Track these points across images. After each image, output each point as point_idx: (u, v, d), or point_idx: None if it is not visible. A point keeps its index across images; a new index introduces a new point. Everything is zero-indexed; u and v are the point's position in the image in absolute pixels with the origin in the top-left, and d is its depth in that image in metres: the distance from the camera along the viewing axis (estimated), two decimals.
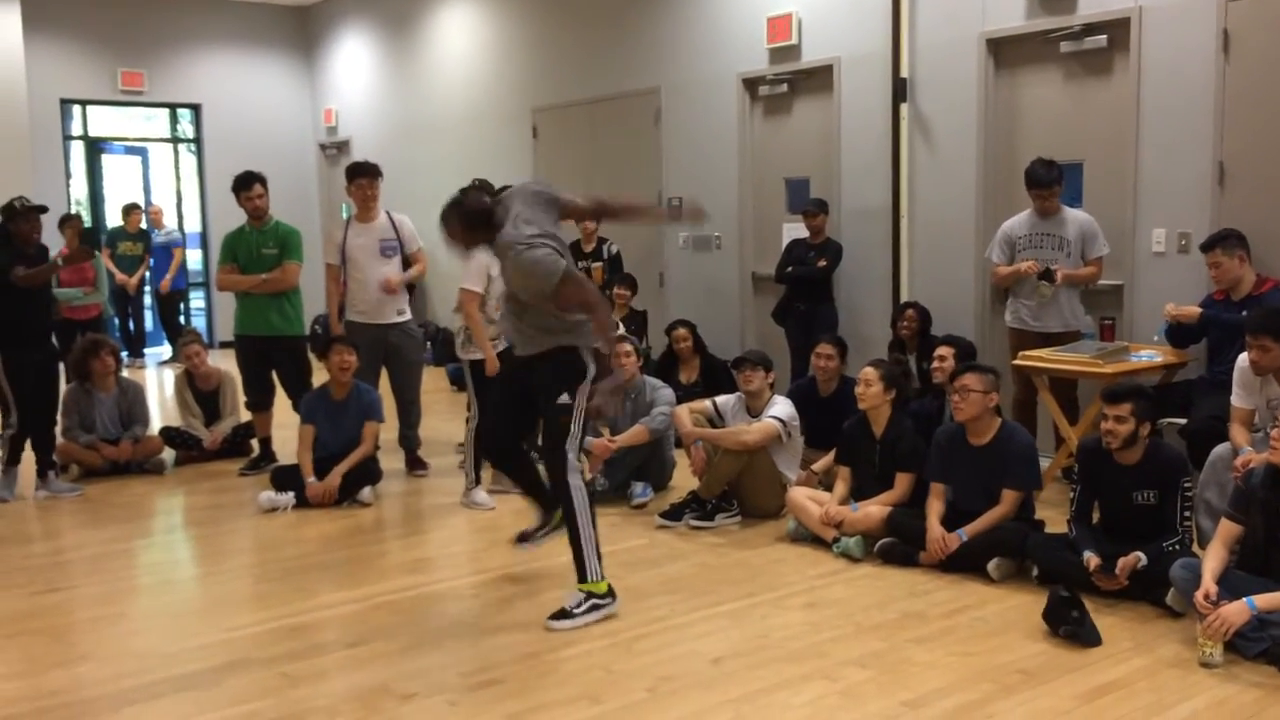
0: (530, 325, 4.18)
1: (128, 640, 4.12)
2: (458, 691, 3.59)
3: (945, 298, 6.83)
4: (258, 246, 6.58)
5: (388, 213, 6.53)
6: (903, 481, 4.97)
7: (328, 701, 3.52)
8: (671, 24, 8.70)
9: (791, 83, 7.89)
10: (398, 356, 6.53)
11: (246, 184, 6.54)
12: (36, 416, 6.16)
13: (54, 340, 6.43)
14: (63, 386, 6.98)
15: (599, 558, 4.19)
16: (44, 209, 6.23)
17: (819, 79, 7.68)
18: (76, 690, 3.67)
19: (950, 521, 4.64)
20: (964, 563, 4.54)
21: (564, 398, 4.13)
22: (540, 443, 4.32)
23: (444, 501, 6.05)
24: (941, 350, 5.75)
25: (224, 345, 11.44)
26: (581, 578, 4.17)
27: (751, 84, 8.15)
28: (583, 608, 4.13)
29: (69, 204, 12.23)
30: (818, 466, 5.58)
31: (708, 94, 8.43)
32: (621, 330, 7.61)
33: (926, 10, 6.93)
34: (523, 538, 4.58)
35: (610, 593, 4.19)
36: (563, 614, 4.12)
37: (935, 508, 4.70)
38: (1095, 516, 4.45)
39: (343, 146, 13.33)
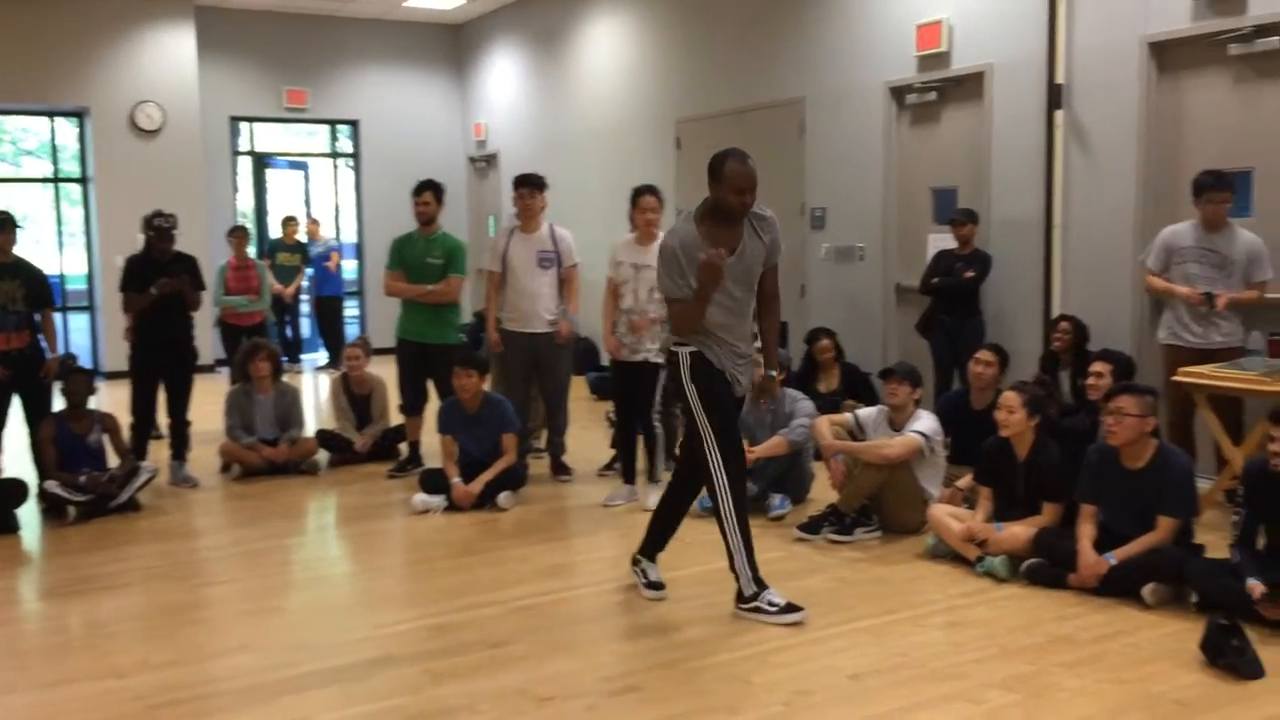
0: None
1: (283, 633, 4.30)
2: (596, 696, 3.63)
3: (1100, 312, 6.58)
4: (424, 254, 6.82)
5: (551, 226, 6.66)
6: (1050, 511, 4.80)
7: (468, 701, 3.60)
8: (817, 34, 8.64)
9: (940, 90, 7.74)
10: (547, 365, 6.66)
11: (419, 190, 6.86)
12: (144, 409, 6.77)
13: (190, 345, 6.90)
14: (225, 389, 7.43)
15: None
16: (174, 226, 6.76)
17: (969, 86, 7.51)
18: (235, 679, 3.84)
19: (1101, 544, 4.47)
20: (1116, 587, 4.36)
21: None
22: None
23: (586, 507, 6.14)
24: (1098, 366, 5.55)
25: (376, 352, 11.83)
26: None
27: (899, 93, 8.03)
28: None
29: (235, 216, 12.87)
30: (962, 484, 5.44)
31: (853, 103, 8.34)
32: None
33: (1085, 13, 6.70)
34: None
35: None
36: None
37: (1087, 530, 4.52)
38: (1261, 542, 4.22)
39: (491, 160, 13.66)
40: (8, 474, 5.99)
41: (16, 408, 6.42)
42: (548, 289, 6.58)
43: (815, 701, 3.54)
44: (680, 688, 3.67)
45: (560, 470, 6.84)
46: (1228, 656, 3.65)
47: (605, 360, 6.35)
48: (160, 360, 6.73)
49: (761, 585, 4.31)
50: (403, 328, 6.94)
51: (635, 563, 4.72)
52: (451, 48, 14.20)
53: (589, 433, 7.96)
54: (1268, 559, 4.13)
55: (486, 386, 6.40)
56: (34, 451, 6.33)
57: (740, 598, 4.33)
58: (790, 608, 4.25)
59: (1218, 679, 3.63)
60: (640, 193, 6.08)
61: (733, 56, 9.54)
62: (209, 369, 11.69)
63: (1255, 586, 3.96)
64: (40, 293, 6.40)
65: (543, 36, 12.45)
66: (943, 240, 7.51)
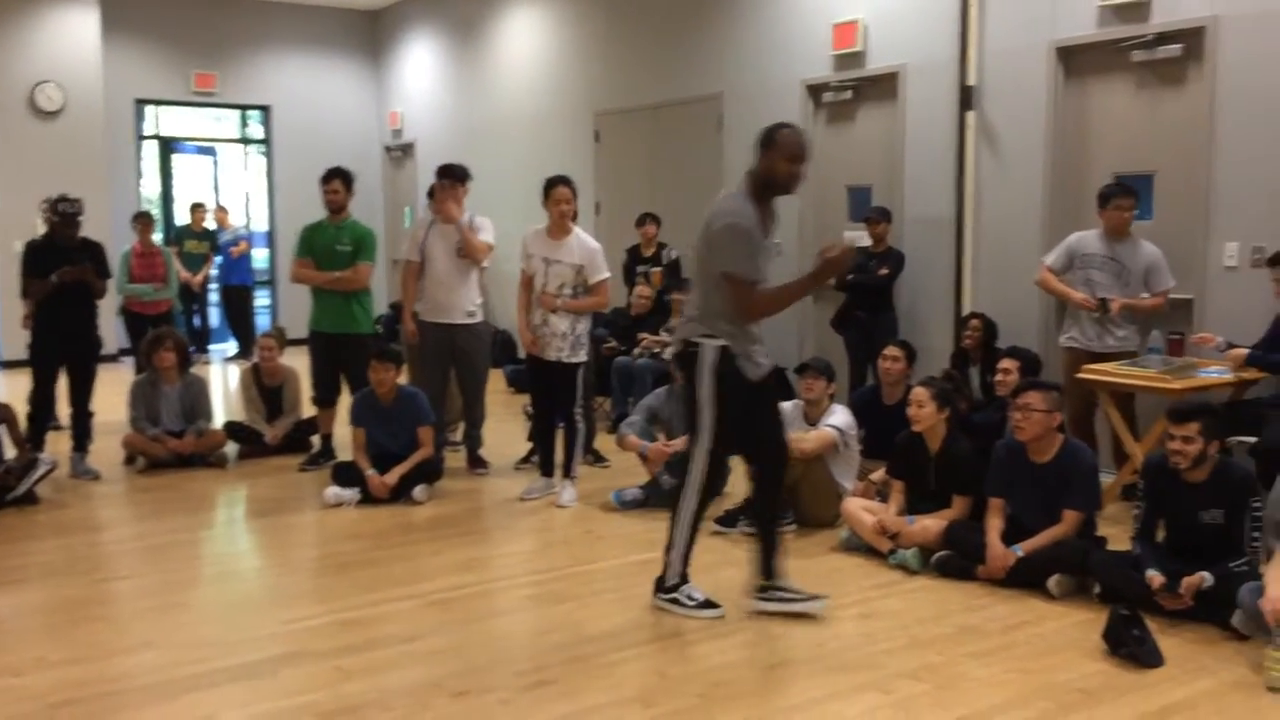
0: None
1: (188, 629, 4.19)
2: (509, 691, 3.61)
3: (1009, 310, 6.73)
4: (333, 242, 6.73)
5: (471, 216, 6.59)
6: (960, 504, 4.90)
7: (380, 696, 3.56)
8: (735, 30, 8.69)
9: (856, 89, 7.84)
10: (464, 357, 6.60)
11: (327, 178, 6.80)
12: (43, 399, 6.58)
13: (93, 334, 6.67)
14: (129, 379, 7.23)
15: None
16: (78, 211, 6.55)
17: (884, 86, 7.62)
18: (137, 676, 3.74)
19: (1009, 536, 4.58)
20: (1022, 578, 4.47)
21: None
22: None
23: (503, 501, 6.10)
24: (1006, 363, 5.68)
25: (290, 343, 11.60)
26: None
27: (815, 90, 8.11)
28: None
29: (140, 202, 12.50)
30: (875, 477, 5.52)
31: (771, 100, 8.39)
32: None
33: (996, 18, 6.84)
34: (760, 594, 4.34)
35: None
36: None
37: (995, 524, 4.63)
38: (1160, 535, 4.36)
39: (407, 149, 13.48)
40: None
41: None
42: (468, 280, 6.53)
43: (730, 693, 3.57)
44: (595, 681, 3.67)
45: (477, 463, 6.78)
46: (1129, 646, 3.76)
47: (523, 353, 6.30)
48: (61, 349, 6.52)
49: (684, 579, 4.33)
50: (315, 319, 6.83)
51: (763, 590, 4.31)
52: (367, 34, 13.97)
53: (506, 426, 7.91)
54: (1167, 551, 4.26)
55: (402, 379, 6.32)
56: None
57: (661, 586, 4.35)
58: (709, 604, 4.27)
59: (1119, 668, 3.74)
60: (554, 184, 6.01)
61: (652, 51, 9.55)
62: (112, 358, 11.36)
63: (1154, 578, 4.08)
64: None
65: (460, 25, 12.32)
66: (858, 238, 7.60)
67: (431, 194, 7.18)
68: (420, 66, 13.16)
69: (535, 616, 4.35)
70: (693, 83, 9.10)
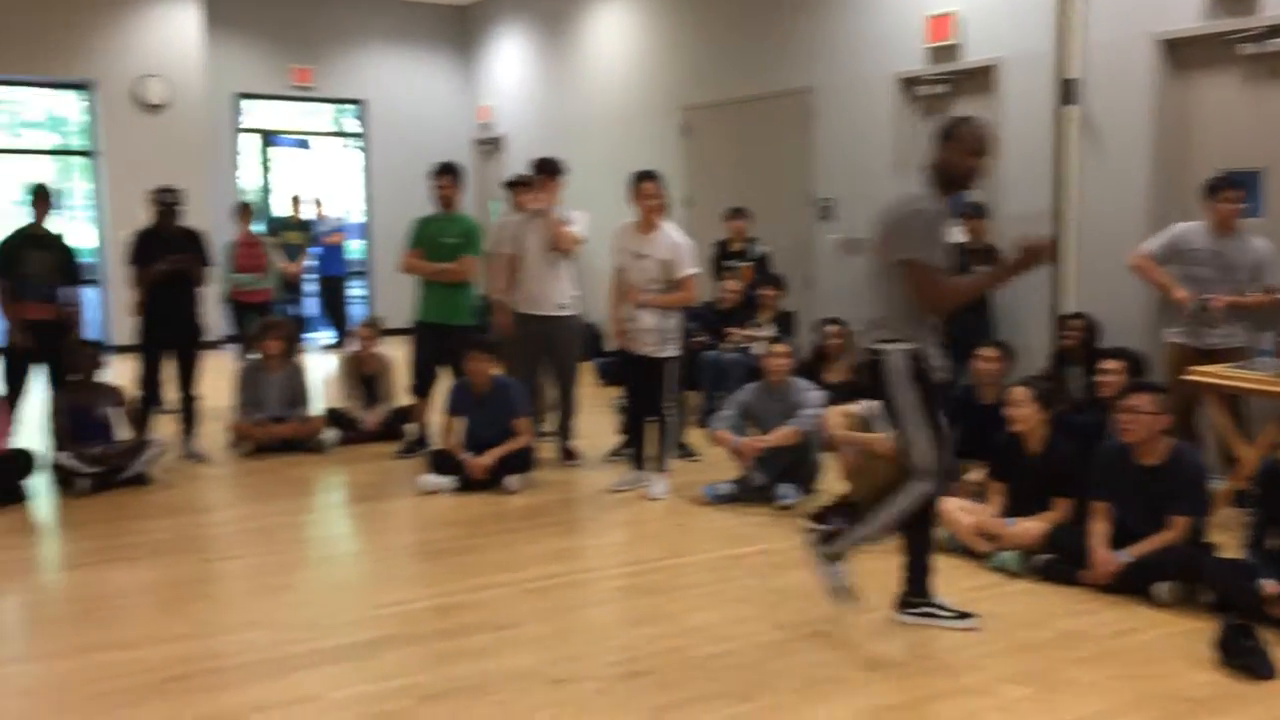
0: None
1: (292, 610, 4.31)
2: (605, 680, 3.63)
3: (1110, 309, 6.57)
4: (441, 234, 6.85)
5: (563, 209, 6.65)
6: (1062, 506, 4.79)
7: (479, 680, 3.61)
8: (826, 24, 8.61)
9: (951, 83, 7.72)
10: (555, 348, 6.66)
11: (436, 173, 6.94)
12: (152, 383, 6.78)
13: (195, 323, 6.88)
14: (233, 366, 7.43)
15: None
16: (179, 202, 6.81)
17: (980, 79, 7.49)
18: (244, 654, 3.85)
19: (1114, 540, 4.47)
20: (1128, 584, 4.35)
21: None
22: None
23: (595, 492, 6.14)
24: (1110, 364, 5.54)
25: (385, 333, 11.80)
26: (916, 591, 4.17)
27: (909, 84, 8.00)
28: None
29: (240, 193, 12.81)
30: (972, 477, 5.44)
31: (863, 94, 8.31)
32: (773, 331, 7.60)
33: (1097, 9, 6.68)
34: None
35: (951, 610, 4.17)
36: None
37: (1100, 528, 4.51)
38: (1276, 543, 4.22)
39: (497, 143, 13.61)
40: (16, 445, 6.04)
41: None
42: (560, 272, 6.59)
43: (828, 691, 3.55)
44: (691, 673, 3.68)
45: (569, 455, 6.83)
46: (1242, 656, 3.66)
47: (610, 346, 6.33)
48: (168, 335, 6.73)
49: (841, 559, 4.13)
50: (423, 310, 6.95)
51: (913, 607, 4.18)
52: (458, 29, 14.14)
53: (597, 418, 7.94)
54: None
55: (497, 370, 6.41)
56: (50, 423, 6.33)
57: (827, 542, 4.14)
58: (845, 591, 4.09)
59: (1228, 678, 3.64)
60: (640, 179, 6.02)
61: (741, 44, 9.51)
62: (215, 345, 11.68)
63: (1270, 586, 3.96)
64: (71, 267, 6.65)
65: (549, 20, 12.40)
66: (953, 233, 7.49)
67: (511, 185, 7.31)
68: (510, 61, 13.28)
69: (629, 607, 4.38)
70: (782, 76, 9.05)
